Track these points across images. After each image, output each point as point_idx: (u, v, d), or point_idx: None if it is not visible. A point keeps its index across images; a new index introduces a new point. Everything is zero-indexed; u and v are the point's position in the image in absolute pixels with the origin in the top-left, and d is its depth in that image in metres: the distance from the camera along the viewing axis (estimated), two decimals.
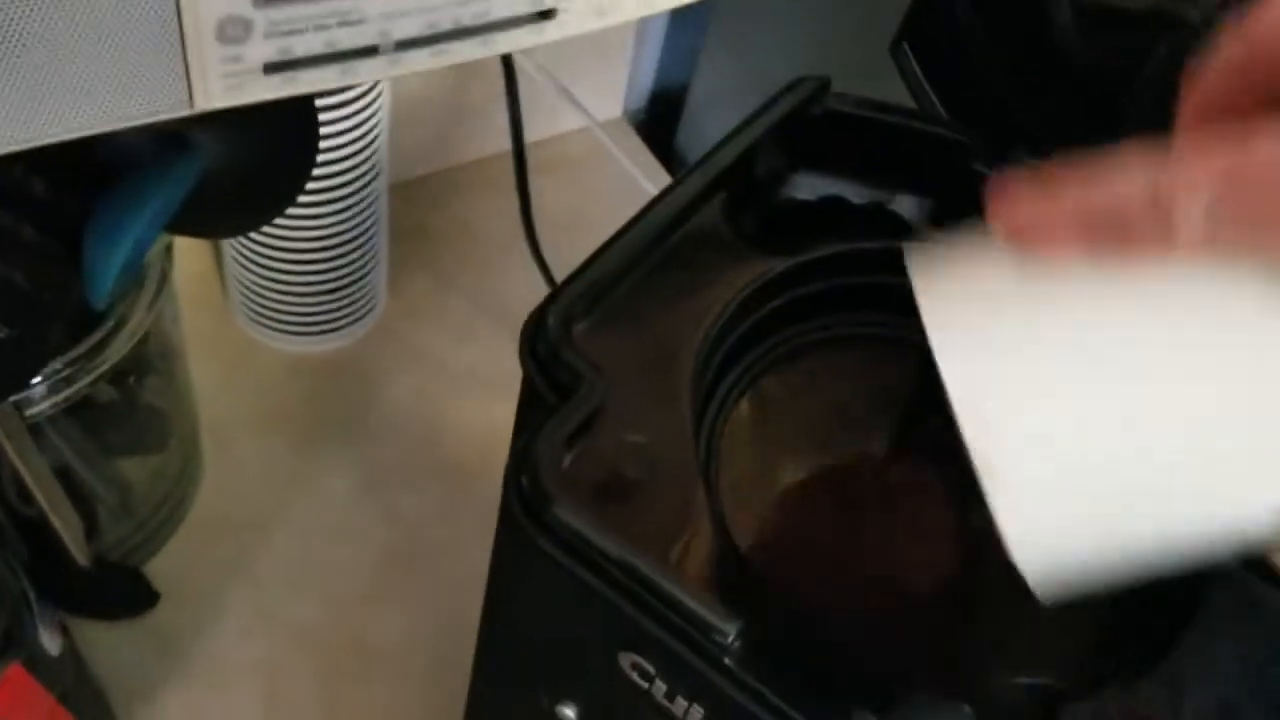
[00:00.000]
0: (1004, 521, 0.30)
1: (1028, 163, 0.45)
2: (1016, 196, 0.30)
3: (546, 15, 0.39)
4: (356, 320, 0.82)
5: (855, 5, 0.80)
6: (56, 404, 0.58)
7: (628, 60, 0.97)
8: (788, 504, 0.45)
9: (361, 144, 0.71)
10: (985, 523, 0.45)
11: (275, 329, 0.81)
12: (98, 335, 0.58)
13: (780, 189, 0.46)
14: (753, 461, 0.44)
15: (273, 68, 0.36)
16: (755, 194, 0.45)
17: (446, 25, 0.38)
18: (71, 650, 0.60)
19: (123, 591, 0.70)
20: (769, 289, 0.42)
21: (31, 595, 0.56)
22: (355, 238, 0.76)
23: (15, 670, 0.55)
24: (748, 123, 0.44)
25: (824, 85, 0.46)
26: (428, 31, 0.38)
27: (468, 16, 0.38)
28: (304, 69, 0.37)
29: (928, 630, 0.41)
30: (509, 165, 0.79)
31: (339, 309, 0.80)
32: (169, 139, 0.50)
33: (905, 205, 0.47)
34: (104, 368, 0.59)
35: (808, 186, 0.47)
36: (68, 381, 0.58)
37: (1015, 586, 0.44)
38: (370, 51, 0.38)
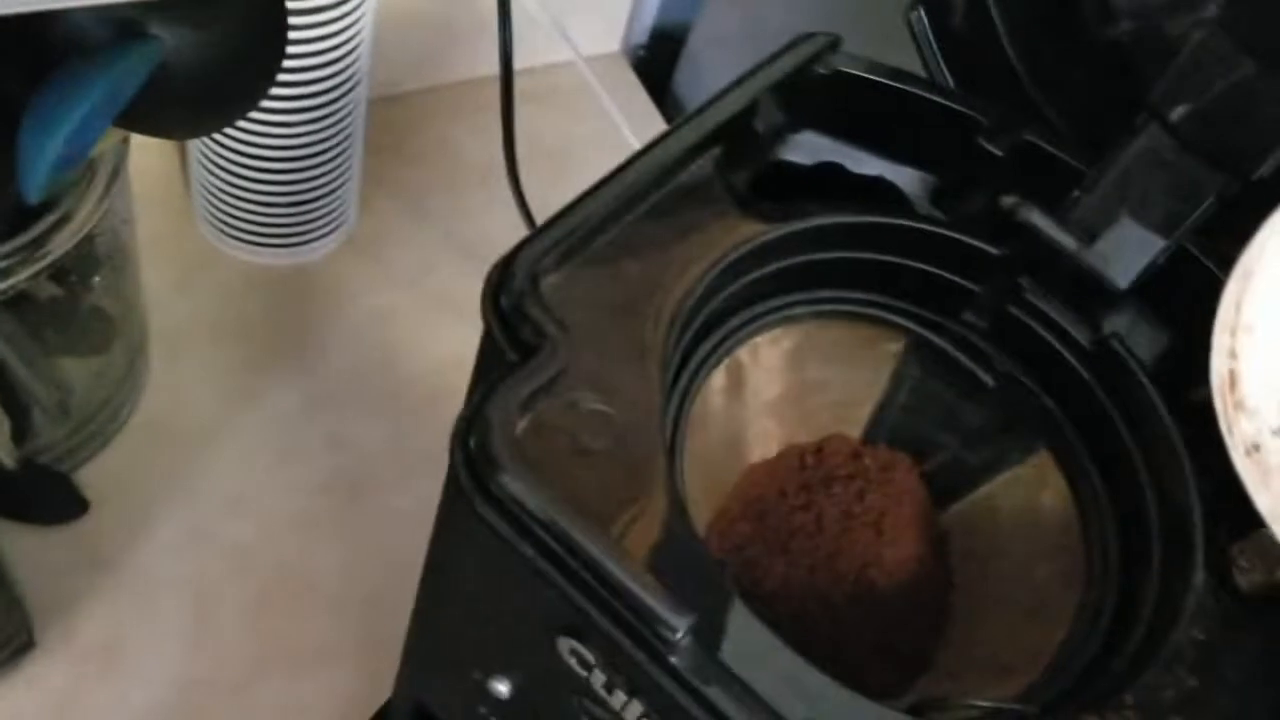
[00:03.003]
0: None
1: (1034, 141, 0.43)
2: None
3: None
4: (322, 236, 0.79)
5: None
6: None
7: None
8: (753, 482, 0.42)
9: (341, 51, 0.67)
10: (954, 523, 0.43)
11: (237, 237, 0.77)
12: (40, 228, 0.55)
13: (777, 147, 0.43)
14: (722, 435, 0.41)
15: None
16: (751, 151, 0.42)
17: None
18: None
19: (52, 498, 0.67)
20: (757, 255, 0.39)
21: None
22: (327, 149, 0.72)
23: None
24: (749, 75, 0.41)
25: (833, 44, 0.43)
26: None
27: None
28: None
29: (887, 635, 0.39)
30: (495, 89, 0.76)
31: (305, 222, 0.77)
32: (126, 27, 0.46)
33: (905, 178, 0.44)
34: (45, 262, 0.56)
35: (807, 147, 0.44)
36: (6, 274, 0.54)
37: (981, 588, 0.42)
38: None
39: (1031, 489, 0.41)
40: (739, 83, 0.41)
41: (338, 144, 0.73)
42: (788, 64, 0.41)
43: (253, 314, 0.78)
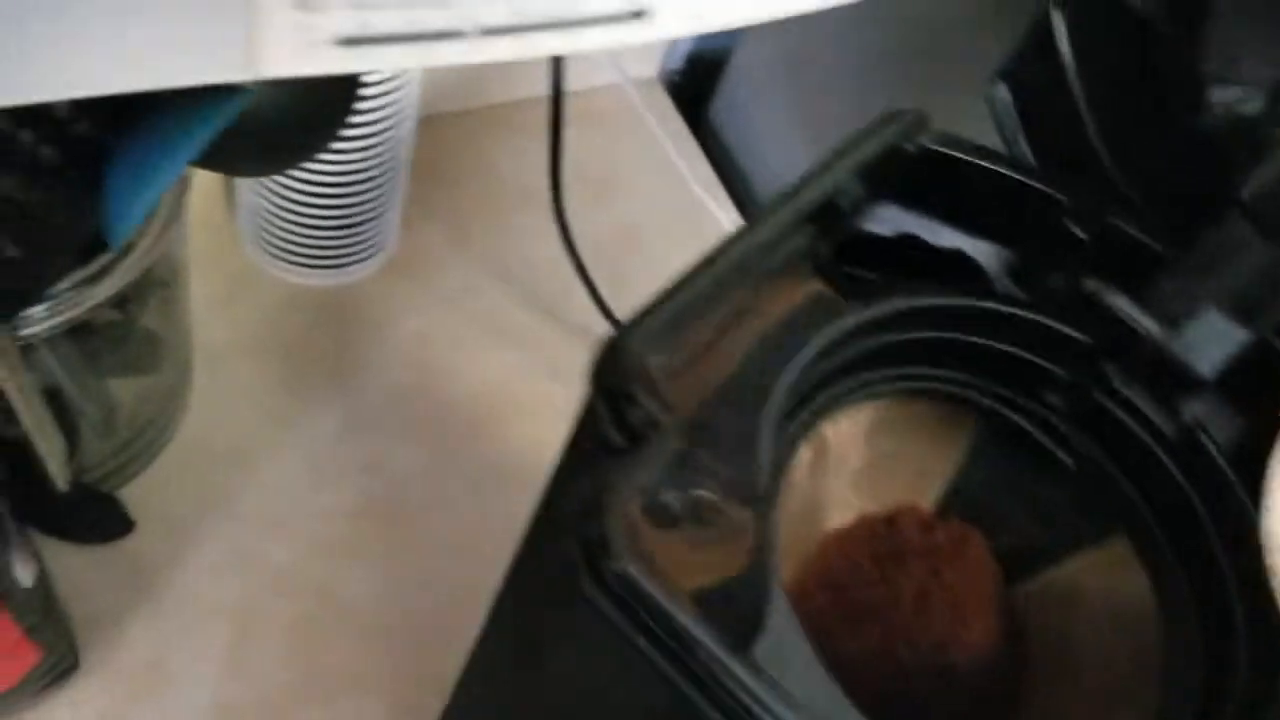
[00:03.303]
0: None
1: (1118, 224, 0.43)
2: None
3: (638, 15, 0.37)
4: (366, 258, 0.79)
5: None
6: (55, 325, 0.55)
7: None
8: (827, 552, 0.43)
9: (396, 81, 0.68)
10: (1027, 602, 0.44)
11: (281, 258, 0.77)
12: (103, 260, 0.55)
13: (858, 219, 0.44)
14: (803, 508, 0.42)
15: (347, 41, 0.33)
16: (835, 225, 0.43)
17: (535, 17, 0.35)
18: (43, 581, 0.58)
19: (98, 517, 0.67)
20: (845, 336, 0.39)
21: (10, 527, 0.53)
22: (376, 176, 0.72)
23: None
24: (839, 154, 0.41)
25: (920, 120, 0.43)
26: (515, 20, 0.35)
27: (559, 8, 0.35)
28: (380, 46, 0.34)
29: (963, 713, 0.40)
30: (537, 111, 0.76)
31: (350, 245, 0.77)
32: None
33: (985, 253, 0.45)
34: (108, 293, 0.56)
35: (887, 219, 0.45)
36: (69, 304, 0.55)
37: (1054, 669, 0.43)
38: (453, 35, 0.35)
39: (1108, 573, 0.42)
40: (828, 162, 0.41)
41: (386, 170, 0.73)
42: (877, 144, 0.42)
43: (294, 334, 0.78)
